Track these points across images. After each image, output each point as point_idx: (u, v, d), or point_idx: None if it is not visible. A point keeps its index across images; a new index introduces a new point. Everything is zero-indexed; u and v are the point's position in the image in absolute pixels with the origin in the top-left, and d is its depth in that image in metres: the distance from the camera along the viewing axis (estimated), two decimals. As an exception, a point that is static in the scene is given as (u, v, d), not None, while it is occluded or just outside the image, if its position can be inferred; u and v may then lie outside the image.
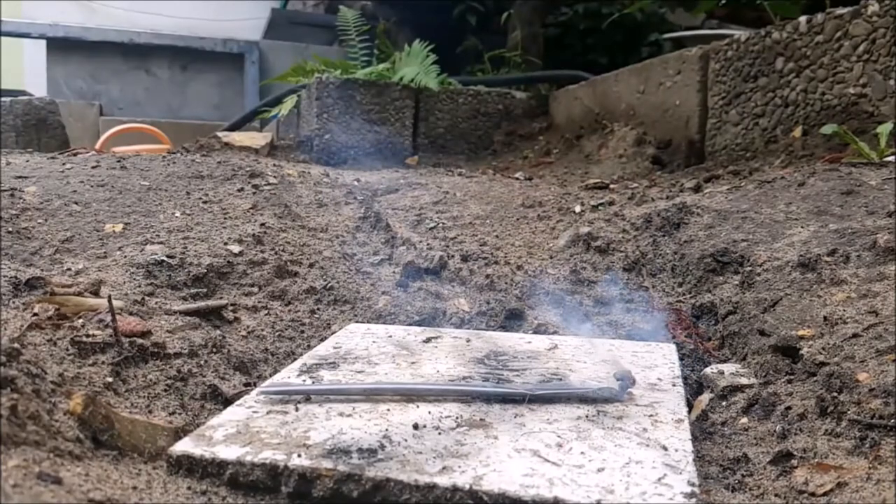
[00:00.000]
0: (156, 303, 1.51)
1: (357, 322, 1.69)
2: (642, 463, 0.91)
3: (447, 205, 2.54)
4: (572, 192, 2.70)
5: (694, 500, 0.83)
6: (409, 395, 1.12)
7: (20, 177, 2.12)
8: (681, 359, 1.44)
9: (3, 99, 3.93)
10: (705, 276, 1.78)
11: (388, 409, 1.08)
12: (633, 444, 0.97)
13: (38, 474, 0.76)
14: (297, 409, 1.08)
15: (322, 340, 1.52)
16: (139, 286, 1.58)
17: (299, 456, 0.92)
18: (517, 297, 1.81)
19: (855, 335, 1.22)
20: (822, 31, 2.66)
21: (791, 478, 0.98)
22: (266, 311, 1.66)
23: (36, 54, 7.18)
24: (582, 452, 0.94)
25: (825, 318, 1.31)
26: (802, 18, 2.76)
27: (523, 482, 0.85)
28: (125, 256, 1.71)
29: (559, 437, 0.99)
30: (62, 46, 6.76)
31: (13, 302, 1.33)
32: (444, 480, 0.86)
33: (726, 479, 1.03)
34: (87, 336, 1.24)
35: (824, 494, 0.92)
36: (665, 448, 0.96)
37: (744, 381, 1.30)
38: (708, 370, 1.37)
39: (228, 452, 0.93)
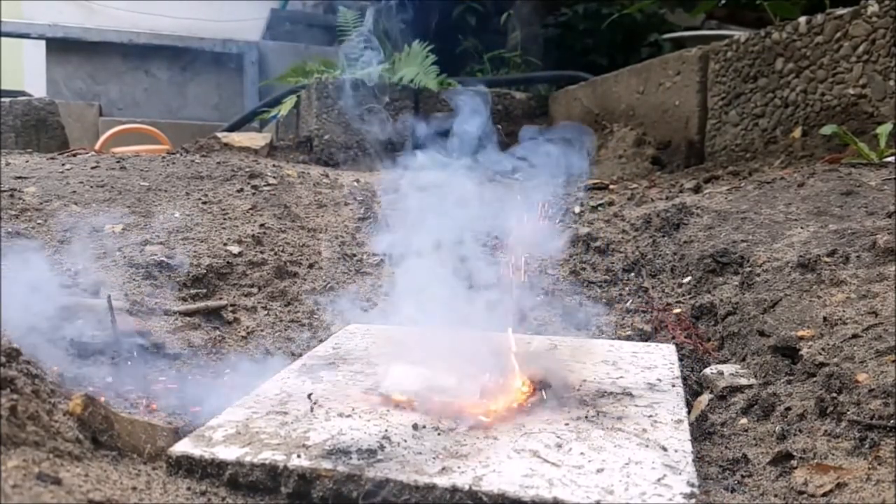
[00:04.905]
0: (155, 303, 1.51)
1: (356, 323, 1.69)
2: (642, 463, 0.91)
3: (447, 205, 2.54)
4: (572, 193, 2.70)
5: (693, 500, 0.83)
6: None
7: (20, 177, 2.11)
8: (680, 359, 1.44)
9: (2, 99, 3.93)
10: (705, 276, 1.78)
11: (388, 410, 1.08)
12: (633, 444, 0.97)
13: (37, 475, 0.76)
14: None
15: (321, 341, 1.52)
16: (139, 286, 1.58)
17: (299, 456, 0.92)
18: (517, 298, 1.81)
19: (854, 336, 1.22)
20: (822, 31, 2.66)
21: (791, 478, 0.98)
22: (266, 312, 1.66)
23: (36, 55, 7.17)
24: (581, 453, 0.94)
25: (825, 318, 1.31)
26: (802, 19, 2.76)
27: (523, 483, 0.85)
28: (125, 257, 1.71)
29: (559, 437, 0.99)
30: (62, 47, 6.76)
31: (13, 302, 1.33)
32: (443, 481, 0.86)
33: (726, 479, 1.03)
34: (87, 336, 1.24)
35: (824, 495, 0.92)
36: (664, 449, 0.96)
37: (743, 381, 1.30)
38: (707, 371, 1.37)
39: (228, 453, 0.93)
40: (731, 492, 0.99)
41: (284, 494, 0.89)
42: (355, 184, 2.77)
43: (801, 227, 1.75)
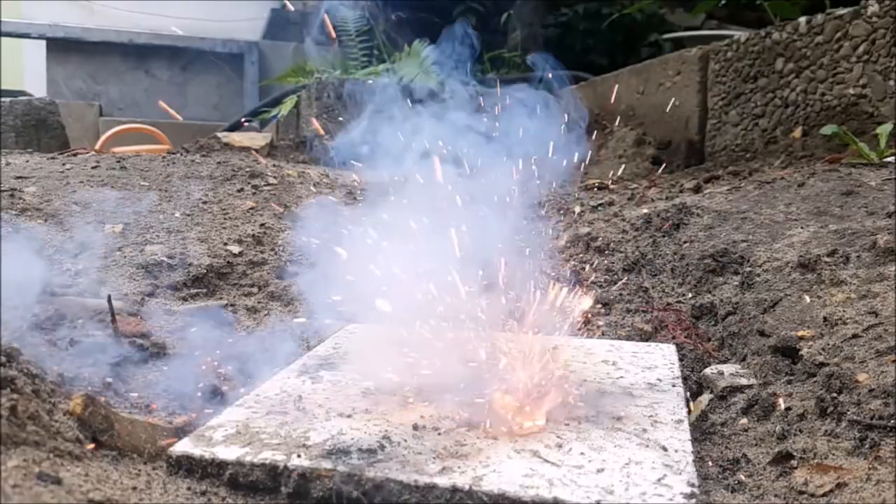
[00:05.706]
0: (156, 303, 1.51)
1: (356, 322, 1.69)
2: (642, 463, 0.91)
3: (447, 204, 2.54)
4: (572, 193, 2.70)
5: (693, 500, 0.83)
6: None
7: (20, 177, 2.11)
8: (681, 359, 1.44)
9: (2, 99, 3.93)
10: (705, 276, 1.78)
11: (388, 410, 1.08)
12: (633, 444, 0.97)
13: (37, 474, 0.76)
14: (296, 410, 1.08)
15: (322, 341, 1.52)
16: (139, 286, 1.58)
17: (299, 456, 0.92)
18: (518, 297, 1.81)
19: (855, 336, 1.22)
20: (822, 31, 2.66)
21: (791, 478, 0.98)
22: (266, 312, 1.66)
23: (36, 54, 7.18)
24: (582, 453, 0.94)
25: (825, 318, 1.31)
26: (802, 19, 2.76)
27: (523, 483, 0.85)
28: (125, 257, 1.71)
29: (559, 437, 0.99)
30: (62, 47, 6.76)
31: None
32: (443, 481, 0.86)
33: (726, 479, 1.03)
34: (87, 336, 1.24)
35: (824, 495, 0.92)
36: (665, 448, 0.96)
37: (743, 381, 1.30)
38: (708, 371, 1.37)
39: (228, 453, 0.93)
40: (732, 492, 0.99)
41: (285, 494, 0.89)
42: (355, 183, 2.77)
43: (802, 227, 1.75)
